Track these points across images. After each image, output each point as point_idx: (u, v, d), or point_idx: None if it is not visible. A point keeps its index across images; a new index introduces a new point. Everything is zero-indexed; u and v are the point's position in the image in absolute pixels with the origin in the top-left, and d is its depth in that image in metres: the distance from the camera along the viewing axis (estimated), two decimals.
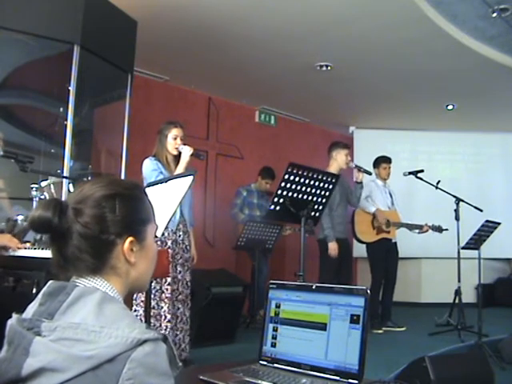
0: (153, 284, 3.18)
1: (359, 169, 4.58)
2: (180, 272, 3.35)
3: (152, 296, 3.18)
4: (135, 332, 0.82)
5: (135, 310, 3.19)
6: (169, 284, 3.26)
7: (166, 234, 3.28)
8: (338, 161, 4.70)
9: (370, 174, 4.58)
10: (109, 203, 0.94)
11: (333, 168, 4.64)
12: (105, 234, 0.93)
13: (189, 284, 3.40)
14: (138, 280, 1.01)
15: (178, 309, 3.30)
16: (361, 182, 4.69)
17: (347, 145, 4.90)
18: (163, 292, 3.24)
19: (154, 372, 0.82)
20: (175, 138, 3.39)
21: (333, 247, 4.62)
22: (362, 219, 5.13)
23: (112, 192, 0.96)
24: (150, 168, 3.32)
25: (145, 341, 0.82)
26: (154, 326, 3.15)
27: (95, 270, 0.94)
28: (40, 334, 0.84)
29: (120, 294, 0.96)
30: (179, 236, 3.36)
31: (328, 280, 4.37)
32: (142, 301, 3.18)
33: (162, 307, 3.22)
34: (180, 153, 3.36)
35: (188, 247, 3.43)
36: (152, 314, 3.17)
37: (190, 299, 3.43)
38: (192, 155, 3.33)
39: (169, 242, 3.29)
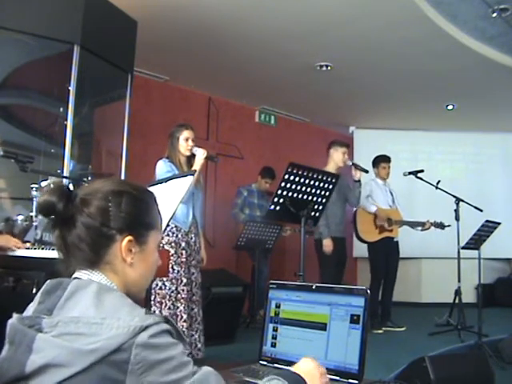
0: (168, 285, 3.24)
1: (356, 167, 4.47)
2: (193, 273, 3.40)
3: (168, 297, 3.25)
4: (135, 320, 0.84)
5: (153, 311, 3.22)
6: (185, 285, 3.31)
7: (179, 236, 3.33)
8: (334, 159, 4.64)
9: (366, 172, 4.47)
10: (115, 198, 0.96)
11: (330, 167, 4.59)
12: (105, 226, 0.95)
13: (200, 285, 3.45)
14: (136, 283, 1.01)
15: (192, 309, 3.36)
16: (359, 181, 4.57)
17: (346, 143, 4.79)
18: (179, 293, 3.29)
19: (160, 348, 0.84)
20: (187, 140, 3.44)
21: (327, 243, 4.58)
22: (364, 219, 5.13)
23: (121, 189, 0.99)
24: (163, 169, 3.35)
25: (146, 326, 0.83)
26: None
27: (92, 262, 0.95)
28: (41, 330, 0.84)
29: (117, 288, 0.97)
30: (191, 238, 3.42)
31: (330, 278, 4.38)
32: (158, 301, 3.22)
33: (178, 307, 3.28)
34: (193, 154, 3.39)
35: (199, 249, 3.49)
36: (168, 314, 3.21)
37: None
38: (206, 158, 3.37)
39: (183, 244, 3.34)
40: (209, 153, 3.45)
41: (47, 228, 2.53)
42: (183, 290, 3.30)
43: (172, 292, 3.26)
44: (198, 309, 3.39)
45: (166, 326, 0.86)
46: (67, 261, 0.97)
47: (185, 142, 3.44)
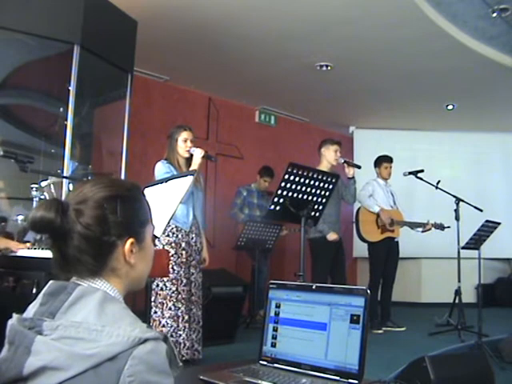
0: (168, 285, 3.24)
1: (348, 163, 4.42)
2: (193, 274, 3.41)
3: (168, 297, 3.25)
4: (136, 331, 0.83)
5: (155, 312, 3.22)
6: (185, 285, 3.32)
7: (180, 236, 3.33)
8: (326, 157, 4.54)
9: (359, 167, 4.37)
10: (110, 204, 0.94)
11: (323, 166, 4.50)
12: (106, 235, 0.93)
13: (200, 285, 3.45)
14: (137, 280, 1.02)
15: (191, 310, 3.35)
16: (353, 177, 4.52)
17: (336, 140, 4.68)
18: (180, 293, 3.29)
19: (154, 370, 0.83)
20: (185, 141, 3.45)
21: (332, 236, 4.53)
22: (367, 218, 5.12)
23: (113, 193, 0.96)
24: (162, 171, 3.35)
25: (146, 339, 0.83)
26: (172, 326, 3.20)
27: (96, 272, 0.94)
28: (41, 333, 0.84)
29: (120, 294, 0.97)
30: (192, 238, 3.42)
31: (322, 281, 4.30)
32: (159, 302, 3.22)
33: (179, 308, 3.28)
34: (191, 155, 3.40)
35: (200, 249, 3.48)
36: (169, 315, 3.22)
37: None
38: (203, 157, 3.37)
39: (183, 244, 3.34)
40: (206, 152, 3.45)
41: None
42: (183, 291, 3.30)
43: (173, 293, 3.26)
44: (196, 309, 3.38)
45: (164, 346, 0.85)
46: (66, 272, 0.95)
47: (183, 143, 3.44)
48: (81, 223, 0.91)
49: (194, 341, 3.33)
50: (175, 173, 3.34)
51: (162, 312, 3.23)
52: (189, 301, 3.34)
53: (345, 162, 4.43)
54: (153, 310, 3.22)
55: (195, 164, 3.34)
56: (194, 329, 3.34)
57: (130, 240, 0.96)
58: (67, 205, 0.93)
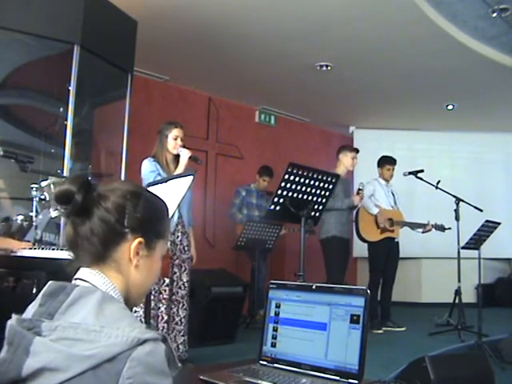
0: None
1: (359, 193, 4.69)
2: (175, 273, 3.36)
3: (152, 297, 3.21)
4: (135, 332, 0.83)
5: (135, 311, 3.20)
6: (167, 285, 3.29)
7: None
8: (344, 163, 4.85)
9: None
10: (133, 199, 0.98)
11: (340, 170, 4.74)
12: (120, 224, 0.95)
13: (185, 285, 3.40)
14: (137, 286, 1.01)
15: (171, 309, 3.32)
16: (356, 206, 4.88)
17: (354, 148, 5.03)
18: (161, 293, 3.27)
19: (153, 371, 0.82)
20: (175, 139, 3.41)
21: (357, 198, 4.72)
22: (367, 218, 5.12)
23: (140, 191, 1.01)
24: (148, 169, 3.33)
25: (145, 340, 0.82)
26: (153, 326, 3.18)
27: (99, 257, 0.95)
28: (40, 333, 0.83)
29: (121, 295, 0.96)
30: (177, 237, 3.38)
31: (338, 280, 4.40)
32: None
33: (160, 308, 3.26)
34: (178, 153, 3.38)
35: (186, 248, 3.44)
36: (152, 315, 3.19)
37: (190, 299, 3.44)
38: (190, 158, 3.35)
39: (167, 243, 3.31)
40: (193, 154, 3.43)
41: (48, 228, 2.53)
42: (165, 291, 3.27)
43: (155, 292, 3.23)
44: (177, 309, 3.34)
45: (163, 347, 0.85)
46: (74, 253, 0.97)
47: (173, 140, 3.40)
48: (102, 206, 0.95)
49: (172, 340, 3.27)
50: (161, 171, 3.32)
51: (144, 311, 3.21)
52: (169, 300, 3.31)
53: (359, 190, 4.71)
54: (133, 310, 3.21)
55: (182, 164, 3.32)
56: (172, 329, 3.30)
57: (140, 239, 0.97)
58: (95, 186, 0.97)
